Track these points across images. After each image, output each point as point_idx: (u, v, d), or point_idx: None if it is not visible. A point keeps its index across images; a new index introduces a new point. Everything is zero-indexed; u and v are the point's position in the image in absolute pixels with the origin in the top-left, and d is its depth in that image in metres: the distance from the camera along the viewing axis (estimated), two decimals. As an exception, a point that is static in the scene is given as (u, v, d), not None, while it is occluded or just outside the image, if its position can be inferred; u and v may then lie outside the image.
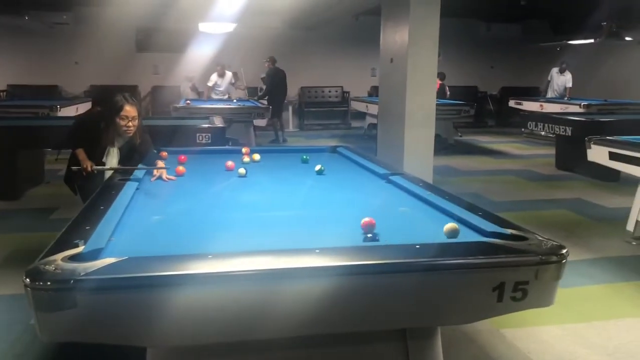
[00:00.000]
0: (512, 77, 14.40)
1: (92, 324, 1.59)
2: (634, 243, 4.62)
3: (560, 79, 11.62)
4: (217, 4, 7.96)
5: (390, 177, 3.13)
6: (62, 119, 7.10)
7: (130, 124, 3.45)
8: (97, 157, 3.51)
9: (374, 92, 12.95)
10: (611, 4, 10.22)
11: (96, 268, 1.60)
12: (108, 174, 3.39)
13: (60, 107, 8.07)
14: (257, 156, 3.91)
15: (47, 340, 1.65)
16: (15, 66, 12.20)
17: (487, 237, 2.04)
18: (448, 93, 11.35)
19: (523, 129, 10.17)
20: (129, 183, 2.87)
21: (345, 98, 13.93)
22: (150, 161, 3.39)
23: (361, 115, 12.35)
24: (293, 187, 3.13)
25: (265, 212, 2.54)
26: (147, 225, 2.28)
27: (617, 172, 6.01)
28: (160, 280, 1.59)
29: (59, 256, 1.69)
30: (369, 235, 2.04)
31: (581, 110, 9.29)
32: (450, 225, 2.08)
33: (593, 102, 9.81)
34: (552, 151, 8.78)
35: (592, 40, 11.89)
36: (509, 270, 1.81)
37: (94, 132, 3.52)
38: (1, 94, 12.16)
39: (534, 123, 8.23)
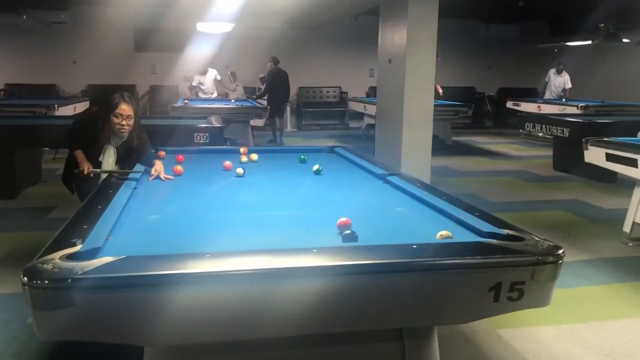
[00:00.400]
0: (510, 78, 14.43)
1: (90, 323, 1.60)
2: (631, 244, 4.64)
3: (558, 80, 11.63)
4: (216, 4, 7.96)
5: (388, 178, 3.14)
6: (59, 118, 7.10)
7: (124, 122, 3.42)
8: (94, 156, 3.50)
9: (372, 92, 12.97)
10: (609, 5, 10.24)
11: (94, 267, 1.60)
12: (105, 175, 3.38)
13: (57, 107, 8.06)
14: (255, 156, 3.91)
15: (44, 339, 1.66)
16: (12, 65, 12.18)
17: (483, 237, 2.04)
18: (441, 92, 11.31)
19: (520, 130, 10.19)
20: (126, 182, 2.88)
21: (343, 98, 13.94)
22: (148, 161, 3.39)
23: (359, 116, 12.36)
24: (291, 187, 3.14)
25: (263, 212, 2.54)
26: (144, 224, 2.28)
27: (614, 174, 6.02)
28: (158, 279, 1.60)
29: (57, 255, 1.69)
30: (347, 232, 2.03)
31: (578, 111, 9.31)
32: (444, 233, 2.07)
33: (590, 104, 9.84)
34: (549, 152, 8.80)
35: (590, 42, 11.92)
36: (506, 270, 1.81)
37: (91, 131, 3.51)
38: (-1, 92, 12.15)
39: (531, 124, 8.24)
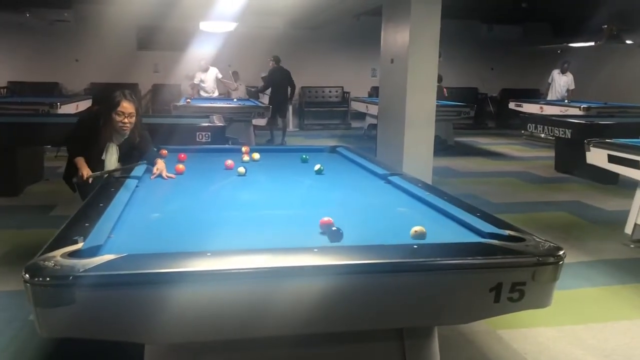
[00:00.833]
0: (513, 79, 14.42)
1: (91, 320, 1.60)
2: (632, 246, 4.63)
3: (562, 80, 11.63)
4: (219, 3, 7.97)
5: (389, 178, 3.14)
6: (62, 117, 7.11)
7: (126, 120, 3.42)
8: (97, 155, 3.50)
9: (374, 92, 12.97)
10: (612, 6, 10.23)
11: (95, 265, 1.60)
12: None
13: (60, 105, 8.08)
14: (256, 155, 3.92)
15: (46, 336, 1.66)
16: (15, 63, 12.20)
17: (484, 238, 2.05)
18: (446, 94, 11.32)
19: (523, 131, 10.19)
20: (128, 180, 2.88)
21: (345, 98, 13.94)
22: (150, 159, 3.38)
23: (361, 116, 12.36)
24: (292, 187, 3.14)
25: (265, 211, 2.54)
26: (146, 222, 2.29)
27: (615, 175, 6.02)
28: (159, 277, 1.60)
29: (58, 252, 1.69)
30: (334, 228, 2.03)
31: (581, 112, 9.30)
32: (418, 228, 2.06)
33: (593, 105, 9.82)
34: (551, 153, 8.79)
35: (592, 43, 11.90)
36: (507, 271, 1.81)
37: (93, 129, 3.51)
38: (1, 90, 12.16)
39: (533, 125, 8.23)
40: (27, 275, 1.55)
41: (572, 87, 11.47)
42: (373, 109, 9.98)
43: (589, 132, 6.47)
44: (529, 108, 10.73)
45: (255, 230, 2.19)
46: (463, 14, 11.92)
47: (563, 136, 7.40)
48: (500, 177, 7.79)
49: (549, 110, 10.08)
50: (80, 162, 3.46)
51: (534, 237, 1.99)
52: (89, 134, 3.52)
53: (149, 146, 3.64)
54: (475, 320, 2.06)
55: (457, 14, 10.90)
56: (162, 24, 11.57)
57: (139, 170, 3.19)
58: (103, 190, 2.71)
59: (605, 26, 11.13)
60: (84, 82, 12.32)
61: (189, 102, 9.15)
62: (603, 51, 12.28)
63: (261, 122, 10.05)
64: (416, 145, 6.13)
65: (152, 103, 12.66)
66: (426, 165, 6.13)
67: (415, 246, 1.85)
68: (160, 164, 3.28)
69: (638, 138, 5.17)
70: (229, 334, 1.75)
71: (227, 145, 5.17)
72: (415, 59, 6.01)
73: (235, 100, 10.35)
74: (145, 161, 3.38)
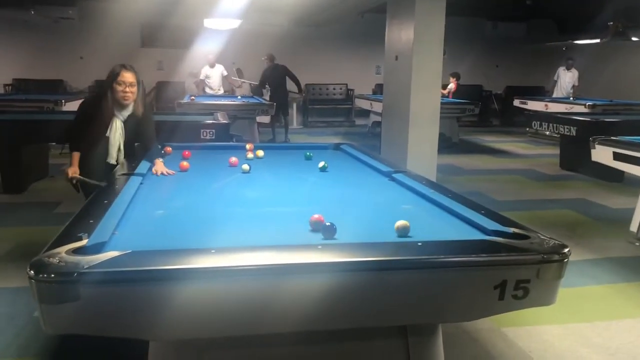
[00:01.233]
0: (517, 77, 14.37)
1: (95, 317, 1.61)
2: (637, 244, 4.61)
3: (568, 76, 11.60)
4: (223, 0, 7.96)
5: (394, 175, 3.13)
6: (66, 114, 7.11)
7: (127, 89, 3.34)
8: (101, 133, 3.42)
9: (378, 90, 12.95)
10: (618, 3, 10.18)
11: (100, 261, 1.60)
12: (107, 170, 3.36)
13: (65, 102, 8.10)
14: (260, 152, 3.92)
15: (51, 332, 1.67)
16: (20, 60, 12.23)
17: (489, 235, 2.04)
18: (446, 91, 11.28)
19: (527, 129, 10.15)
20: (132, 177, 2.89)
21: (349, 96, 13.92)
22: (151, 157, 3.37)
23: (365, 113, 12.34)
24: (296, 184, 3.14)
25: (269, 208, 2.54)
26: (150, 219, 2.29)
27: (621, 173, 6.00)
28: (163, 274, 1.60)
29: (63, 249, 1.70)
30: (328, 223, 2.02)
31: (586, 110, 9.25)
32: (401, 223, 2.06)
33: (598, 102, 9.78)
34: (556, 151, 8.77)
35: (598, 40, 11.85)
36: (511, 268, 1.81)
37: (96, 106, 3.43)
38: (6, 87, 12.20)
39: (538, 123, 8.21)
40: (32, 272, 1.55)
41: (577, 83, 11.44)
42: (377, 107, 9.96)
43: (594, 129, 6.44)
44: (534, 105, 10.68)
45: (260, 227, 2.19)
46: (467, 11, 11.88)
47: (568, 134, 7.37)
48: (505, 174, 7.77)
49: (554, 107, 10.04)
50: (74, 157, 3.42)
51: (539, 234, 1.98)
52: (92, 112, 3.43)
53: (151, 128, 3.59)
54: (480, 317, 2.05)
55: (461, 11, 10.86)
56: (166, 21, 11.58)
57: (143, 167, 3.19)
58: (107, 187, 2.71)
59: (611, 23, 11.08)
60: (88, 79, 12.33)
61: (193, 99, 9.15)
62: (608, 48, 12.22)
63: (265, 119, 10.03)
64: (420, 143, 6.12)
65: (156, 100, 12.66)
66: (430, 162, 6.12)
67: (419, 243, 1.85)
68: (157, 165, 3.27)
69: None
70: (233, 331, 1.75)
71: (231, 143, 5.16)
72: (420, 56, 6.00)
73: (239, 97, 10.34)
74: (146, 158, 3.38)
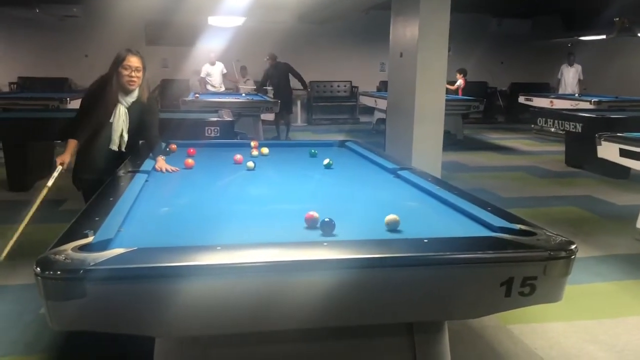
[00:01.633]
0: (523, 73, 14.32)
1: (101, 314, 1.61)
2: (644, 241, 4.60)
3: (571, 72, 11.57)
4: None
5: (399, 172, 3.12)
6: (71, 112, 7.13)
7: (133, 74, 3.27)
8: (105, 119, 3.33)
9: (382, 87, 12.93)
10: (623, -1, 10.13)
11: (105, 258, 1.60)
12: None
13: (70, 100, 8.13)
14: (265, 150, 3.91)
15: (57, 329, 1.67)
16: (25, 59, 12.26)
17: (495, 232, 2.03)
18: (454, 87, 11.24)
19: (532, 125, 10.12)
20: (138, 175, 2.89)
21: (353, 93, 13.91)
22: (156, 155, 3.36)
23: (369, 110, 12.33)
24: (301, 181, 3.13)
25: (274, 205, 2.54)
26: (156, 216, 2.29)
27: (627, 169, 5.97)
28: (169, 271, 1.60)
29: (69, 246, 1.70)
30: (327, 219, 2.02)
31: (592, 106, 9.23)
32: (391, 217, 2.07)
33: (604, 99, 9.74)
34: (561, 148, 8.73)
35: (604, 36, 11.79)
36: (518, 265, 1.80)
37: (100, 93, 3.35)
38: (12, 86, 12.24)
39: (543, 119, 8.18)
40: (38, 269, 1.56)
41: (582, 77, 11.42)
42: (382, 104, 9.95)
43: (600, 126, 6.43)
44: (539, 102, 10.66)
45: (265, 224, 2.19)
46: (472, 7, 11.84)
47: (574, 130, 7.35)
48: (510, 171, 7.75)
49: (559, 104, 10.02)
50: (69, 145, 3.34)
51: (546, 231, 1.98)
52: (96, 98, 3.35)
53: (156, 122, 3.53)
54: (486, 314, 2.04)
55: (466, 8, 10.82)
56: (171, 19, 11.58)
57: (148, 164, 3.19)
58: (113, 184, 2.71)
59: (617, 19, 11.01)
60: (93, 77, 12.15)
61: (197, 97, 9.16)
62: (614, 44, 12.16)
63: (270, 116, 10.03)
64: (425, 140, 6.10)
65: (161, 98, 12.67)
66: (435, 159, 6.10)
67: (425, 240, 1.84)
68: (159, 162, 3.26)
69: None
70: (239, 328, 1.75)
71: (236, 140, 5.17)
72: (425, 53, 5.98)
73: (243, 95, 10.35)
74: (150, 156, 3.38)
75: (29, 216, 3.04)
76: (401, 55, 6.40)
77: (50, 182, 3.23)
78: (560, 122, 7.67)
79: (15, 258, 4.04)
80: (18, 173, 6.07)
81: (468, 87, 11.29)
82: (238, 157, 3.53)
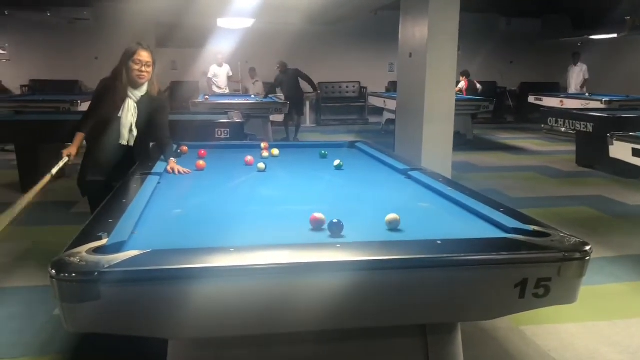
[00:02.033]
0: (532, 73, 14.25)
1: (116, 316, 1.62)
2: (657, 241, 4.55)
3: (576, 71, 11.53)
4: (236, -1, 7.99)
5: (410, 173, 3.12)
6: (82, 114, 7.18)
7: (143, 69, 3.26)
8: (113, 113, 3.31)
9: (391, 87, 12.91)
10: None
11: (120, 260, 1.61)
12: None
13: (80, 102, 8.18)
14: (276, 151, 3.92)
15: (72, 331, 1.69)
16: (36, 61, 12.36)
17: (509, 233, 2.02)
18: (479, 87, 11.21)
19: (542, 125, 10.06)
20: (150, 177, 2.90)
21: (362, 93, 13.90)
22: (167, 157, 3.36)
23: (379, 111, 12.31)
24: (312, 182, 3.13)
25: (285, 206, 2.54)
26: (169, 218, 2.30)
27: (639, 169, 5.92)
28: (183, 273, 1.61)
29: (84, 248, 1.71)
30: (335, 220, 2.02)
31: (602, 106, 9.17)
32: (392, 216, 2.08)
33: (615, 98, 9.67)
34: (572, 147, 8.68)
35: (614, 35, 11.70)
36: (532, 266, 1.79)
37: (109, 88, 3.35)
38: (23, 88, 12.34)
39: (554, 119, 8.13)
40: (53, 271, 1.57)
41: (587, 76, 11.36)
42: (391, 104, 9.94)
43: (612, 125, 6.37)
44: (549, 102, 10.60)
45: (277, 226, 2.19)
46: (481, 7, 11.81)
47: (584, 130, 7.30)
48: (521, 171, 7.71)
49: (570, 103, 9.95)
50: (76, 138, 3.37)
51: (559, 232, 1.96)
52: (105, 93, 3.35)
53: (166, 121, 3.49)
54: (500, 316, 2.03)
55: (475, 7, 10.78)
56: (180, 21, 11.62)
57: (160, 166, 3.20)
58: (126, 186, 2.72)
59: (628, 17, 10.93)
60: (103, 79, 12.41)
61: (207, 98, 9.20)
62: (625, 43, 12.07)
63: (278, 118, 10.05)
64: (435, 140, 6.08)
65: (171, 100, 12.71)
66: (445, 160, 6.08)
67: (438, 242, 1.83)
68: (171, 164, 3.25)
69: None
70: (252, 330, 1.75)
71: (246, 142, 5.18)
72: (434, 53, 5.96)
73: (252, 96, 10.38)
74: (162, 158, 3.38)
75: (27, 200, 3.02)
76: (410, 55, 6.38)
77: (54, 170, 3.20)
78: (571, 121, 7.62)
79: (28, 259, 4.09)
80: (29, 175, 6.10)
81: (474, 88, 11.24)
82: (249, 158, 3.54)
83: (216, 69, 10.68)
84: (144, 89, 3.34)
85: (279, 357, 1.96)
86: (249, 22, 9.74)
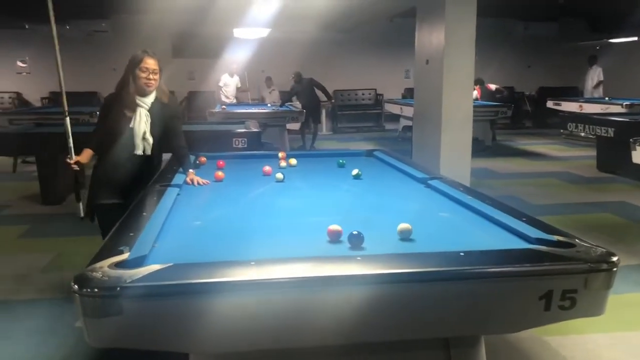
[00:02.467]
0: (550, 77, 14.11)
1: (138, 331, 1.62)
2: (683, 248, 4.46)
3: (590, 73, 11.43)
4: (252, 9, 8.03)
5: (429, 182, 3.09)
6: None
7: (151, 76, 3.15)
8: (124, 125, 3.18)
9: (408, 94, 12.87)
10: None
11: (141, 275, 1.61)
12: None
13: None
14: (293, 161, 3.92)
15: (94, 346, 1.68)
16: (56, 74, 12.48)
17: (532, 244, 1.99)
18: (494, 88, 11.11)
19: (562, 130, 9.93)
20: (170, 189, 2.91)
21: (378, 100, 13.88)
22: (186, 169, 3.34)
23: (395, 118, 12.27)
24: (331, 192, 3.11)
25: (305, 218, 2.53)
26: (189, 231, 2.30)
27: (663, 174, 5.82)
28: (204, 287, 1.60)
29: (106, 263, 1.71)
30: (355, 232, 2.01)
31: (623, 110, 9.04)
32: (404, 226, 2.08)
33: (636, 102, 9.53)
34: (592, 152, 8.56)
35: (635, 38, 11.56)
36: (557, 278, 1.76)
37: (116, 100, 3.25)
38: (43, 100, 12.53)
39: (573, 124, 8.03)
40: (76, 286, 1.57)
41: (601, 78, 11.24)
42: (407, 111, 9.90)
43: (634, 130, 6.27)
44: (568, 106, 10.48)
45: (296, 237, 2.18)
46: (498, 12, 11.73)
47: (605, 135, 7.19)
48: (541, 177, 7.62)
49: (589, 108, 9.83)
50: (85, 152, 3.31)
51: (584, 242, 1.93)
52: (113, 105, 3.26)
53: (180, 124, 3.41)
54: (526, 329, 2.00)
55: (491, 12, 10.72)
56: (197, 31, 11.73)
57: (179, 178, 3.21)
58: (146, 198, 2.73)
59: (648, 20, 10.79)
60: (121, 91, 12.54)
61: (224, 108, 9.25)
62: (645, 46, 11.92)
63: (295, 126, 10.08)
64: (453, 147, 6.04)
65: (188, 110, 12.83)
66: (464, 167, 6.03)
67: (461, 254, 1.80)
68: (190, 175, 3.25)
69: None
70: (273, 344, 1.73)
71: (263, 151, 5.18)
72: (451, 59, 5.93)
73: (269, 105, 10.42)
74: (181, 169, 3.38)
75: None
76: (427, 62, 6.36)
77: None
78: (591, 126, 7.52)
79: (47, 272, 4.12)
80: (51, 187, 6.18)
81: (496, 92, 11.15)
82: (267, 168, 3.54)
83: (227, 78, 10.78)
84: (152, 96, 3.24)
85: (300, 371, 1.94)
86: (264, 32, 9.79)
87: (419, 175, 3.27)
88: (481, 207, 2.46)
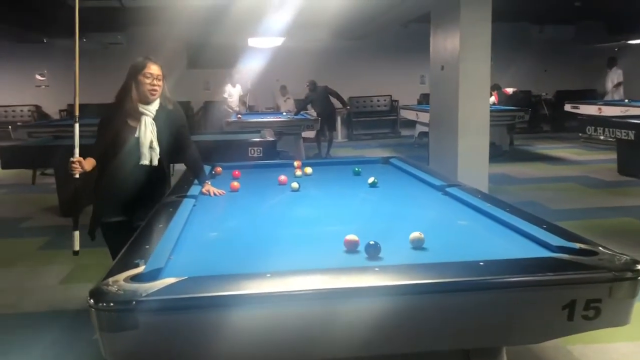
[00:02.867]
0: (567, 80, 13.96)
1: (153, 345, 1.60)
2: None
3: (610, 76, 11.29)
4: (266, 18, 8.06)
5: (447, 189, 3.05)
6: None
7: (155, 82, 3.01)
8: (128, 135, 3.03)
9: (423, 100, 12.81)
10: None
11: (157, 289, 1.60)
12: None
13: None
14: (309, 169, 3.90)
15: (111, 360, 1.67)
16: (73, 86, 12.67)
17: (554, 252, 1.95)
18: (510, 91, 11.03)
19: (580, 134, 9.81)
20: (185, 200, 2.90)
21: (394, 107, 13.83)
22: (202, 181, 3.29)
23: (410, 124, 12.22)
24: (347, 201, 3.09)
25: (320, 228, 2.51)
26: (204, 242, 2.29)
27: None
28: (220, 300, 1.59)
29: (121, 276, 1.71)
30: (372, 242, 1.98)
31: (644, 112, 8.90)
32: (416, 235, 2.06)
33: (656, 104, 9.39)
34: (612, 156, 8.42)
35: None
36: (580, 287, 1.72)
37: (117, 107, 3.12)
38: (62, 113, 12.69)
39: (592, 127, 7.92)
40: (91, 301, 1.57)
41: (621, 79, 11.10)
42: (423, 117, 9.85)
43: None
44: (586, 110, 10.36)
45: (313, 249, 2.16)
46: (513, 15, 11.65)
47: (626, 138, 7.07)
48: (560, 182, 7.51)
49: (608, 111, 9.70)
50: (88, 160, 3.11)
51: (607, 250, 1.88)
52: (116, 109, 3.13)
53: (187, 131, 3.27)
54: (548, 339, 1.94)
55: (507, 16, 10.64)
56: (211, 42, 11.81)
57: (195, 189, 3.21)
58: (161, 210, 2.73)
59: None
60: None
61: (240, 117, 9.30)
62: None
63: (311, 134, 10.09)
64: (470, 152, 5.98)
65: (204, 120, 12.90)
66: (482, 172, 5.97)
67: (481, 263, 1.77)
68: (206, 186, 3.23)
69: None
70: (290, 356, 1.71)
71: (279, 160, 5.18)
72: (467, 64, 5.89)
73: (284, 113, 10.44)
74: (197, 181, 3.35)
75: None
76: (442, 68, 6.32)
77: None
78: (611, 129, 7.40)
79: (66, 283, 4.14)
80: (68, 198, 6.23)
81: (513, 96, 11.05)
82: (282, 178, 3.52)
83: (230, 88, 10.85)
84: (156, 103, 3.07)
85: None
86: (279, 41, 9.83)
87: (437, 182, 3.23)
88: (500, 214, 2.42)
